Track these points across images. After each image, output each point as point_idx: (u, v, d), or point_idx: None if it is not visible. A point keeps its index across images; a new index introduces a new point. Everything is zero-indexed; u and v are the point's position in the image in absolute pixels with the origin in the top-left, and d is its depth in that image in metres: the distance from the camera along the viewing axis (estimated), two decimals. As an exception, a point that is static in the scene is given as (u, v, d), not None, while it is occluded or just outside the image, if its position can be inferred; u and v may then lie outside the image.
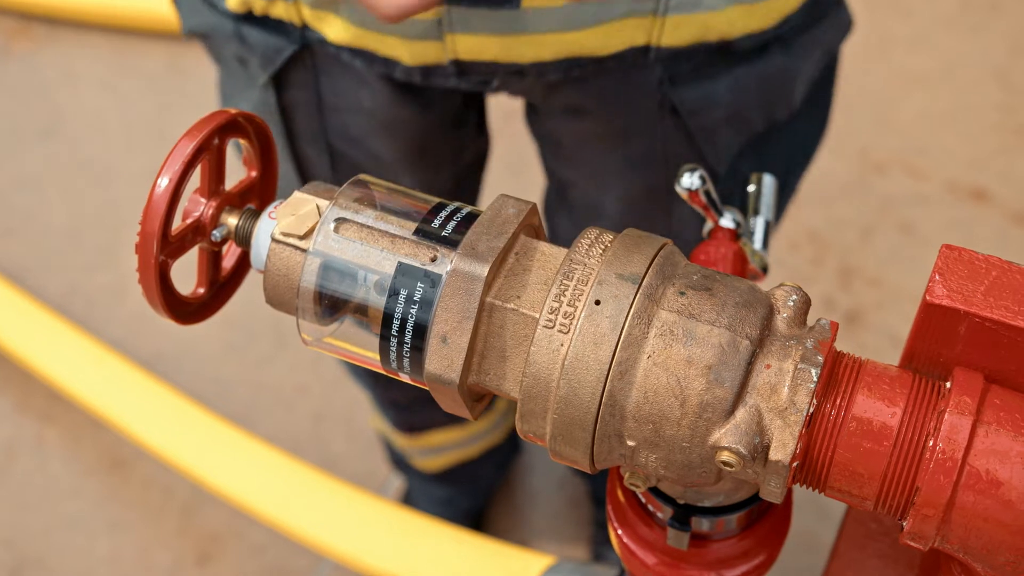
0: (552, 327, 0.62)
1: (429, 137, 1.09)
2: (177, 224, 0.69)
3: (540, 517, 1.92)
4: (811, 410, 0.60)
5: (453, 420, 1.60)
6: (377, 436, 1.81)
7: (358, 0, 0.73)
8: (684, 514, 0.70)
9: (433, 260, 0.65)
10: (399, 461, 1.79)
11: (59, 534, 1.92)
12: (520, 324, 0.64)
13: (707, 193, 0.86)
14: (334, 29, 0.95)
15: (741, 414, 0.60)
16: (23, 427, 2.04)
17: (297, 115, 1.08)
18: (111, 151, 2.47)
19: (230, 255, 0.76)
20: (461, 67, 0.95)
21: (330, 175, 1.12)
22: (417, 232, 0.66)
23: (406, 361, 0.66)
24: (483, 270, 0.63)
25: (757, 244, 0.89)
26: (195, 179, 0.70)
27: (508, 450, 1.82)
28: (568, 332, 0.61)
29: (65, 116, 2.55)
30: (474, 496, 1.85)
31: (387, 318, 0.65)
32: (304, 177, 1.14)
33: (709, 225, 0.89)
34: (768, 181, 0.91)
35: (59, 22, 2.70)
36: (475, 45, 0.92)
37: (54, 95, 2.60)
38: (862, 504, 0.62)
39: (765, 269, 0.89)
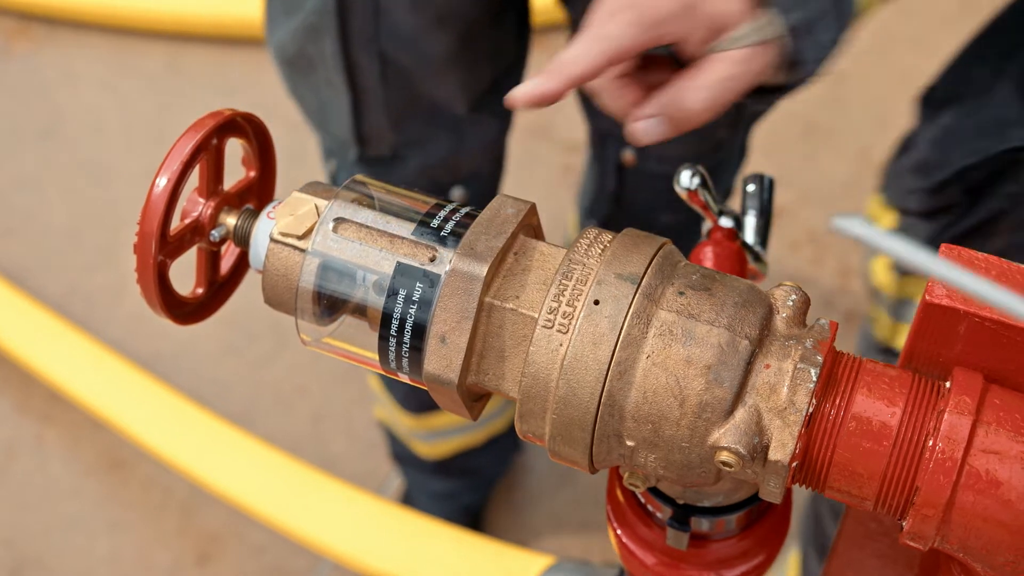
0: (551, 327, 0.62)
1: (476, 29, 1.14)
2: (176, 224, 0.69)
3: (540, 517, 1.92)
4: (810, 410, 0.60)
5: None
6: (380, 428, 1.80)
7: None
8: (683, 514, 0.69)
9: (432, 260, 0.65)
10: (400, 455, 1.78)
11: (59, 534, 1.92)
12: (519, 324, 0.64)
13: (706, 193, 0.86)
14: None
15: (740, 414, 0.60)
16: (23, 427, 2.04)
17: (353, 18, 1.11)
18: (111, 151, 2.47)
19: (229, 255, 0.76)
20: None
21: (379, 83, 1.16)
22: (416, 232, 0.66)
23: (405, 361, 0.66)
24: (482, 270, 0.63)
25: (756, 244, 0.89)
26: (194, 179, 0.70)
27: (510, 442, 1.81)
28: (567, 332, 0.61)
29: (65, 116, 2.55)
30: (474, 491, 1.85)
31: (386, 318, 0.65)
32: (354, 86, 1.17)
33: (708, 225, 0.89)
34: (766, 181, 0.91)
35: (58, 22, 2.70)
36: None
37: (54, 95, 2.60)
38: (862, 504, 0.62)
39: (764, 269, 0.89)
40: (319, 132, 1.28)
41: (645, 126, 0.67)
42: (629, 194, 1.55)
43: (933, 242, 0.98)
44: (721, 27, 0.65)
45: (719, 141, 1.47)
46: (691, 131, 1.37)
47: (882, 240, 0.57)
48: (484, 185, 1.33)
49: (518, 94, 0.63)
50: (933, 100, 1.05)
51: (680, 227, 1.22)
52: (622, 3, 0.64)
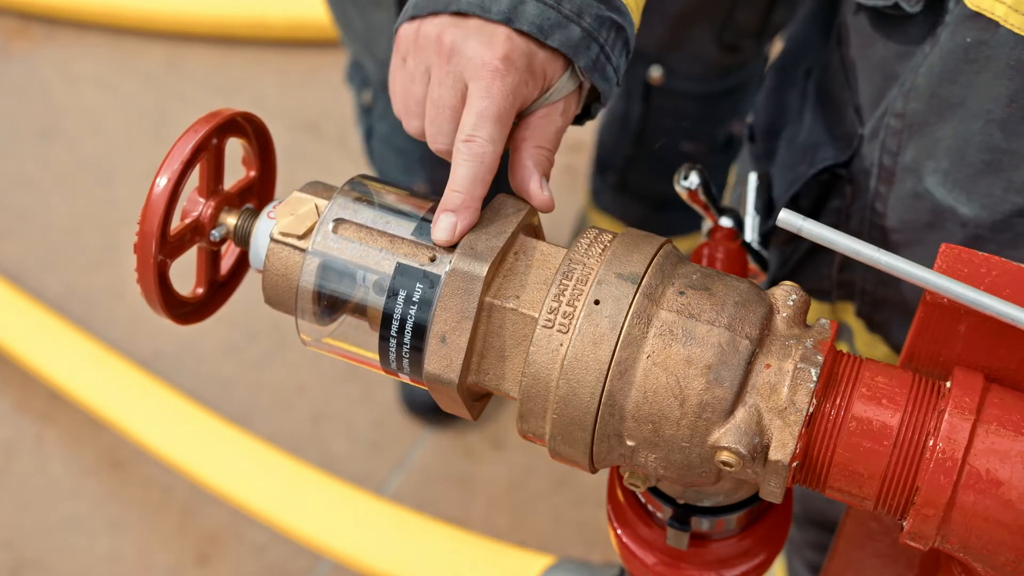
0: (551, 327, 0.62)
1: None
2: (176, 224, 0.69)
3: (540, 517, 1.92)
4: (811, 410, 0.60)
5: None
6: None
7: None
8: (684, 514, 0.69)
9: (432, 260, 0.65)
10: None
11: (59, 534, 1.91)
12: (519, 324, 0.64)
13: (707, 193, 0.86)
14: None
15: (741, 414, 0.60)
16: (23, 427, 2.04)
17: None
18: (110, 151, 2.47)
19: (229, 255, 0.76)
20: None
21: None
22: (416, 232, 0.66)
23: (405, 361, 0.66)
24: (482, 270, 0.63)
25: (756, 243, 0.89)
26: (194, 178, 0.70)
27: None
28: (567, 332, 0.61)
29: (64, 116, 2.54)
30: None
31: (386, 318, 0.65)
32: (403, 2, 1.19)
33: (709, 225, 0.89)
34: (767, 180, 0.91)
35: (58, 22, 2.70)
36: None
37: (53, 95, 2.59)
38: (862, 504, 0.62)
39: (765, 268, 0.89)
40: (362, 57, 1.30)
41: (549, 194, 0.71)
42: (653, 121, 1.57)
43: (783, 267, 0.99)
44: (547, 83, 0.71)
45: (744, 58, 1.49)
46: (717, 42, 1.37)
47: (821, 232, 0.59)
48: None
49: (446, 234, 0.65)
50: (758, 133, 1.03)
51: (701, 157, 1.22)
52: (476, 90, 0.67)
